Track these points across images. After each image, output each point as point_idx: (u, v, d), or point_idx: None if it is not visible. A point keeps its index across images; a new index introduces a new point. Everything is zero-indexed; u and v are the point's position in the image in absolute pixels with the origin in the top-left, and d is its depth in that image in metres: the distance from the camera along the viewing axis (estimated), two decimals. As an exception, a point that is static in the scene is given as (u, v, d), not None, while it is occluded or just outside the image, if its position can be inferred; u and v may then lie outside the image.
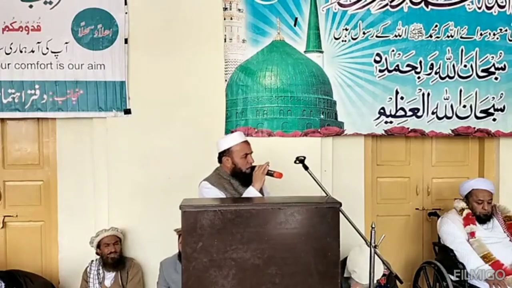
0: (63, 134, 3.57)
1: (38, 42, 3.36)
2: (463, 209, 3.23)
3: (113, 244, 3.23)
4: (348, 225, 2.31)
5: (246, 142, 2.71)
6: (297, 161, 2.58)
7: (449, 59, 3.61)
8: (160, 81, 3.49)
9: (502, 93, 3.67)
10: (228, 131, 3.48)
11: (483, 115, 3.67)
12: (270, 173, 2.61)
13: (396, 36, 3.57)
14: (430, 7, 3.58)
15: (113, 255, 3.22)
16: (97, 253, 3.29)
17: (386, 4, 3.54)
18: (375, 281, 2.46)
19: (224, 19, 3.49)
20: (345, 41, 3.55)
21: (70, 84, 3.40)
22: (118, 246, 3.26)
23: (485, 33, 3.62)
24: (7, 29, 3.35)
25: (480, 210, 3.19)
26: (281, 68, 3.52)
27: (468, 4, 3.60)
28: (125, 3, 3.44)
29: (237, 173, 2.64)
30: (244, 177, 2.62)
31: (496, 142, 3.84)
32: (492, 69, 3.65)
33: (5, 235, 3.60)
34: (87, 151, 3.54)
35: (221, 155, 2.69)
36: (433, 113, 3.63)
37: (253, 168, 2.62)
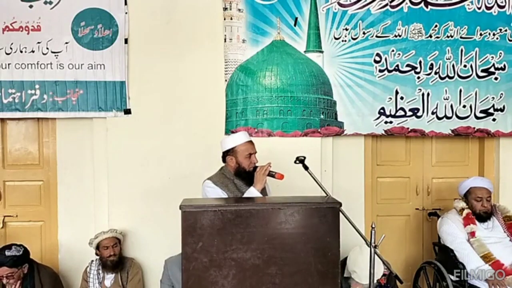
0: (63, 134, 3.57)
1: (38, 42, 3.36)
2: (463, 209, 3.23)
3: (112, 246, 3.21)
4: (348, 225, 2.31)
5: (251, 142, 2.72)
6: (297, 161, 2.58)
7: (449, 59, 3.61)
8: (160, 81, 3.49)
9: (502, 93, 3.67)
10: (228, 131, 3.48)
11: (483, 115, 3.67)
12: (271, 174, 2.61)
13: (396, 36, 3.57)
14: (430, 7, 3.58)
15: (112, 258, 3.21)
16: (96, 254, 3.28)
17: (386, 4, 3.54)
18: (375, 281, 2.46)
19: (224, 19, 3.49)
20: (345, 41, 3.55)
21: (70, 84, 3.40)
22: (117, 248, 3.25)
23: (485, 33, 3.62)
24: (7, 29, 3.35)
25: (479, 208, 3.19)
26: (281, 68, 3.52)
27: (468, 4, 3.60)
28: (125, 3, 3.44)
29: (240, 172, 2.65)
30: (248, 176, 2.63)
31: (496, 142, 3.84)
32: (492, 69, 3.65)
33: (5, 235, 3.59)
34: (87, 151, 3.54)
35: (225, 154, 2.70)
36: (433, 113, 3.63)
37: (256, 168, 2.63)
